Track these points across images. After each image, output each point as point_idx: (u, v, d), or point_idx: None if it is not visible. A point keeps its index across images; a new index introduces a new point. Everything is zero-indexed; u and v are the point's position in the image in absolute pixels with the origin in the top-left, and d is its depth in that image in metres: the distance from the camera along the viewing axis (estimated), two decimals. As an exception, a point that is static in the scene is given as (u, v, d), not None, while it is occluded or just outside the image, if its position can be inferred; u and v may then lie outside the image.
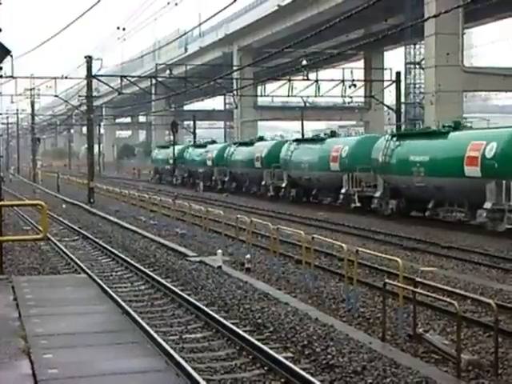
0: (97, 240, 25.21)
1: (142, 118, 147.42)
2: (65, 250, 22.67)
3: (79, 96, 60.88)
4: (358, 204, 35.50)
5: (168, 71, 62.60)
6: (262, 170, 47.59)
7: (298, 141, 45.77)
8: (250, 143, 53.28)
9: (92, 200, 43.18)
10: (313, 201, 42.10)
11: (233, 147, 55.99)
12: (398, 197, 32.77)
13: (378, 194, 33.90)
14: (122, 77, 52.21)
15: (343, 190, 36.89)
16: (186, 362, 10.07)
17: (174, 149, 68.46)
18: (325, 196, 40.74)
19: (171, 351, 10.32)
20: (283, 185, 44.36)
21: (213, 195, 50.65)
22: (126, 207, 38.55)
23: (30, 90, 75.13)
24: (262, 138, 54.76)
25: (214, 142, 66.00)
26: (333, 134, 43.50)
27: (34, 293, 14.19)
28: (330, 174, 38.48)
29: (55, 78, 54.55)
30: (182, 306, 14.65)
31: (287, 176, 43.99)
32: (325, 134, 44.70)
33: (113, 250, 22.42)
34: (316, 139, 44.04)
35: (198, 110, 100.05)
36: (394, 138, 33.68)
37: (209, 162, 58.58)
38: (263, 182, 47.45)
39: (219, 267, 19.11)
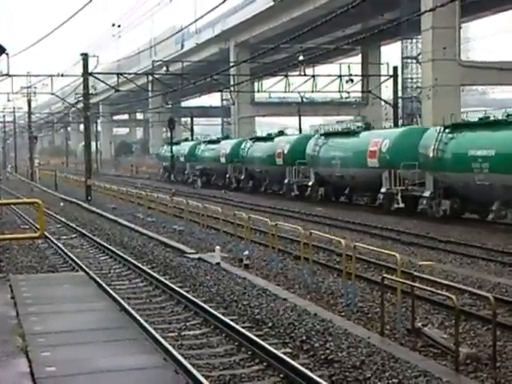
0: (94, 238, 25.18)
1: (139, 115, 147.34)
2: (62, 248, 22.64)
3: (76, 94, 60.83)
4: (402, 205, 31.86)
5: (164, 68, 62.54)
6: (285, 167, 43.67)
7: (326, 135, 41.33)
8: (270, 138, 49.36)
9: (90, 198, 43.14)
10: (344, 200, 39.33)
11: (249, 142, 51.99)
12: (452, 197, 29.26)
13: (427, 194, 30.37)
14: (118, 74, 52.16)
15: (383, 190, 33.22)
16: (185, 358, 10.07)
17: (171, 147, 68.21)
18: (359, 196, 37.82)
19: (170, 348, 10.32)
20: (310, 183, 40.93)
21: (211, 192, 50.57)
22: (123, 204, 38.51)
23: (27, 88, 75.01)
24: (282, 133, 50.59)
25: (227, 137, 62.94)
26: (367, 127, 38.99)
27: (32, 291, 14.17)
28: (367, 171, 34.68)
29: (51, 76, 54.53)
30: (181, 303, 14.63)
31: (314, 173, 40.44)
32: (358, 127, 39.97)
33: (111, 248, 22.40)
34: (349, 132, 39.47)
35: (195, 107, 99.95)
36: (448, 130, 29.54)
37: (222, 159, 54.49)
38: (286, 180, 43.62)
39: (217, 264, 19.10)
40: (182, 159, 63.82)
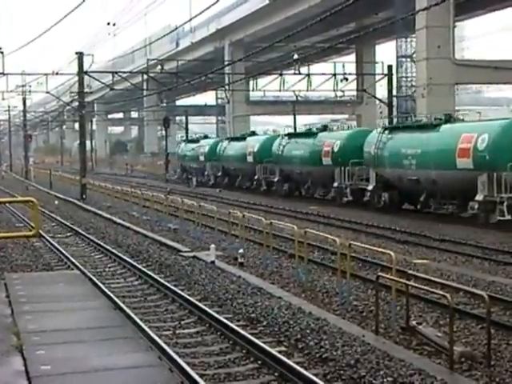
0: (89, 236, 25.16)
1: (134, 114, 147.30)
2: (57, 246, 22.61)
3: (71, 92, 60.79)
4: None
5: (159, 66, 62.46)
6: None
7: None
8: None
9: (84, 196, 43.10)
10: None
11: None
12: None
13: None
14: (113, 72, 52.10)
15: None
16: (180, 356, 10.08)
17: (166, 144, 68.03)
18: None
19: (165, 346, 10.32)
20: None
21: (206, 190, 50.60)
22: (118, 203, 38.48)
23: (22, 86, 74.91)
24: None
25: (253, 133, 56.55)
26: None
27: (27, 289, 14.18)
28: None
29: (46, 75, 54.44)
30: (176, 302, 14.63)
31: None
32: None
33: (106, 246, 22.37)
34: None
35: (190, 106, 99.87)
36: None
37: (249, 158, 49.93)
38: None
39: (212, 262, 19.11)
40: (201, 158, 59.62)
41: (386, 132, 33.50)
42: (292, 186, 43.86)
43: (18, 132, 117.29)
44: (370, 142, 34.27)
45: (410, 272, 13.98)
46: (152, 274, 17.22)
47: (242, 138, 52.60)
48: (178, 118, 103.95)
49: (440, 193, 29.56)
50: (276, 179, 44.66)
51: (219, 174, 55.63)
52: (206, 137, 65.78)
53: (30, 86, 73.52)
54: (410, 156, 30.65)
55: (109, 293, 14.36)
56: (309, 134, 43.40)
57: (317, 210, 34.32)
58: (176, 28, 70.62)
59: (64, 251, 21.45)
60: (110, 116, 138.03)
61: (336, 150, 38.34)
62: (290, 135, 45.58)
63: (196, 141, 65.10)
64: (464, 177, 27.20)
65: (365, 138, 35.45)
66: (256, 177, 47.49)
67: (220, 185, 53.28)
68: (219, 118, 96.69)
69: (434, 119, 31.10)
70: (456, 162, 27.63)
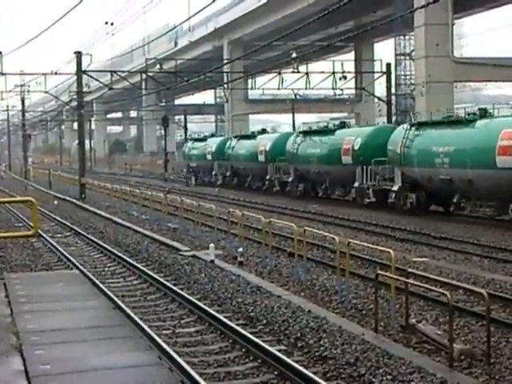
0: (89, 236, 25.15)
1: (133, 114, 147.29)
2: (57, 246, 22.60)
3: (69, 92, 60.81)
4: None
5: (158, 66, 62.47)
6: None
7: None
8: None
9: (84, 196, 43.09)
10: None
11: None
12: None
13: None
14: (112, 72, 52.08)
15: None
16: (180, 356, 10.07)
17: (165, 144, 67.94)
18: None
19: (164, 345, 10.32)
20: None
21: (204, 189, 50.56)
22: (117, 202, 38.46)
23: (20, 86, 74.90)
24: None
25: (264, 131, 53.50)
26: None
27: (26, 289, 14.17)
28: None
29: (45, 74, 54.41)
30: (175, 301, 14.62)
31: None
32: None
33: (105, 246, 22.36)
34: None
35: (189, 105, 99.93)
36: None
37: (260, 157, 47.07)
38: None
39: (212, 261, 19.10)
40: (209, 157, 57.24)
41: (413, 128, 31.12)
42: (308, 186, 41.25)
43: (16, 132, 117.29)
44: (396, 140, 31.57)
45: (410, 270, 13.99)
46: (151, 274, 17.21)
47: (253, 136, 50.51)
48: (176, 117, 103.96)
49: (476, 194, 27.31)
50: (290, 179, 42.33)
51: (228, 173, 53.17)
52: (213, 135, 63.36)
53: (29, 86, 73.55)
54: (441, 154, 28.58)
55: (108, 292, 14.35)
56: (326, 131, 39.96)
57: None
58: (174, 27, 70.78)
59: (63, 251, 21.44)
60: (108, 115, 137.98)
61: (357, 147, 35.46)
62: (305, 133, 42.21)
63: (203, 139, 62.54)
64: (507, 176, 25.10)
65: (388, 134, 32.96)
66: (268, 177, 45.29)
67: (229, 185, 51.31)
68: (218, 116, 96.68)
69: (468, 114, 28.93)
70: (496, 161, 25.61)
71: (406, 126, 31.86)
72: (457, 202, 28.38)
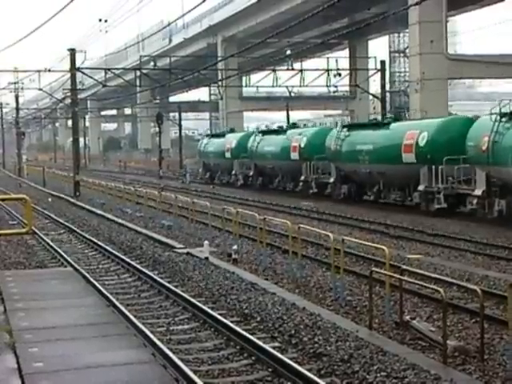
0: (83, 233, 25.12)
1: (127, 111, 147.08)
2: (51, 243, 22.57)
3: (63, 89, 60.63)
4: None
5: (152, 63, 62.35)
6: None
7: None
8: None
9: (78, 193, 43.04)
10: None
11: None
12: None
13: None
14: (106, 69, 51.98)
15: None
16: (174, 353, 10.06)
17: (160, 141, 67.78)
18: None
19: (158, 343, 10.30)
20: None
21: (199, 186, 50.49)
22: (112, 200, 38.43)
23: (14, 83, 74.75)
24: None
25: (294, 125, 49.99)
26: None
27: (20, 287, 14.14)
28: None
29: (39, 71, 54.29)
30: (169, 298, 14.61)
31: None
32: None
33: (99, 243, 22.33)
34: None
35: (184, 102, 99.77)
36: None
37: (294, 155, 42.32)
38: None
39: (206, 258, 19.09)
40: (227, 155, 52.37)
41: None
42: (353, 188, 36.34)
43: (10, 129, 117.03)
44: (479, 133, 26.66)
45: (404, 267, 13.99)
46: (146, 271, 17.19)
47: (282, 131, 45.66)
48: (171, 114, 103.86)
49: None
50: (332, 180, 37.64)
51: (251, 173, 48.15)
52: (231, 130, 58.14)
53: (23, 83, 73.48)
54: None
55: (102, 290, 14.33)
56: (378, 123, 35.74)
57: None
58: (169, 24, 70.76)
59: (57, 248, 21.40)
60: (103, 113, 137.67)
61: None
62: (352, 126, 39.00)
63: (221, 135, 57.50)
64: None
65: (462, 128, 28.68)
66: (303, 177, 40.69)
67: (253, 186, 47.33)
68: (212, 114, 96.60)
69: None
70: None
71: (493, 116, 26.02)
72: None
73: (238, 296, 14.34)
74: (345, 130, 37.02)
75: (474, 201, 26.94)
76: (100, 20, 49.59)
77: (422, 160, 29.74)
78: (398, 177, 31.83)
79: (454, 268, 17.22)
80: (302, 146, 41.25)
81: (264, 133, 48.64)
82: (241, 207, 28.43)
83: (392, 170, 31.86)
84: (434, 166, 28.87)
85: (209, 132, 65.91)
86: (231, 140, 52.86)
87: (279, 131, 46.75)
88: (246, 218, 25.56)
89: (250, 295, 14.35)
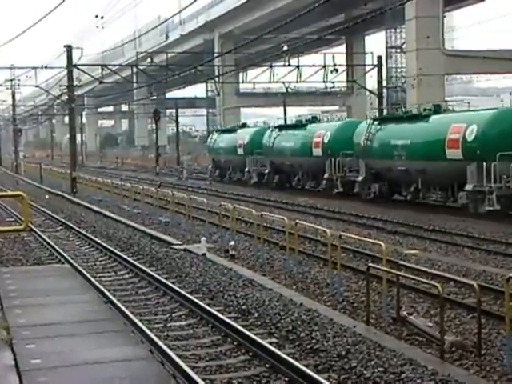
0: (80, 230, 25.10)
1: (124, 107, 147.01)
2: (48, 240, 22.55)
3: (60, 86, 60.53)
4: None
5: (149, 59, 62.30)
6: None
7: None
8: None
9: (75, 190, 43.00)
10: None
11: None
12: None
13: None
14: (102, 66, 51.93)
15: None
16: (171, 349, 10.06)
17: (156, 137, 67.72)
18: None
19: (156, 339, 10.30)
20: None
21: (195, 183, 50.46)
22: (109, 197, 38.40)
23: (11, 80, 74.64)
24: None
25: (315, 119, 45.01)
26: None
27: (17, 284, 14.14)
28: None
29: (35, 68, 54.27)
30: (167, 294, 14.61)
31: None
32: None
33: (96, 240, 22.32)
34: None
35: (180, 98, 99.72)
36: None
37: (316, 151, 39.20)
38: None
39: (203, 255, 19.09)
40: (240, 151, 49.19)
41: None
42: (384, 187, 33.28)
43: (7, 126, 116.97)
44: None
45: (401, 262, 14.01)
46: (143, 267, 17.19)
47: (301, 126, 42.59)
48: (168, 110, 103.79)
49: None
50: (360, 178, 34.34)
51: (266, 170, 44.96)
52: (244, 125, 54.74)
53: (19, 80, 73.35)
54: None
55: (100, 286, 14.33)
56: (418, 116, 31.86)
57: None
58: (165, 20, 70.57)
59: (55, 245, 21.39)
60: (99, 109, 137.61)
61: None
62: (384, 119, 35.92)
63: (232, 130, 54.08)
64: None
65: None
66: (326, 175, 37.33)
67: (268, 184, 44.28)
68: (209, 110, 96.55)
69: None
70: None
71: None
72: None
73: (235, 292, 14.34)
74: (376, 123, 33.88)
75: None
76: (96, 16, 49.77)
77: (470, 156, 26.77)
78: (439, 175, 28.75)
79: (451, 263, 17.19)
80: (326, 141, 38.07)
81: (281, 127, 45.67)
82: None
83: (433, 167, 28.86)
84: (484, 163, 25.78)
85: (219, 128, 62.78)
86: (244, 135, 49.77)
87: (298, 126, 43.81)
88: (244, 214, 25.52)
89: (248, 291, 14.36)
